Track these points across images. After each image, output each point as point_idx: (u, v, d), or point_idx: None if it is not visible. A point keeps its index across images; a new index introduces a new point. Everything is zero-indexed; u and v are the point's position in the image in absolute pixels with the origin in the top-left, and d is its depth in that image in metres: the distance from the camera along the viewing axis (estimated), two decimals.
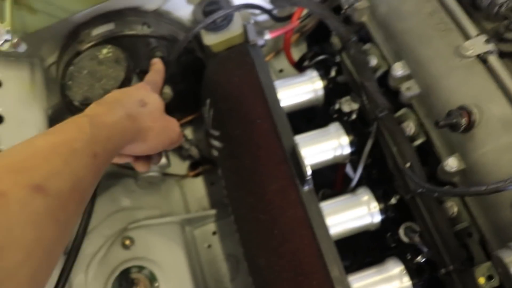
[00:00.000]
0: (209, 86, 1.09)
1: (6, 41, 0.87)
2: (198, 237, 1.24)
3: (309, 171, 0.88)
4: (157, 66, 1.01)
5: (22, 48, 0.93)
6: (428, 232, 0.89)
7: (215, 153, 1.08)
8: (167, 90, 1.17)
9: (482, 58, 0.88)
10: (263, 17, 1.26)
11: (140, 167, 0.86)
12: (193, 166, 1.35)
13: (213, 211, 1.23)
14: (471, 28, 0.90)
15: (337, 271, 0.85)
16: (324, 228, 0.89)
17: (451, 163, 0.85)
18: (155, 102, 0.87)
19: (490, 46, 0.87)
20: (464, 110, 0.84)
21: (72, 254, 0.88)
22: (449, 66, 0.90)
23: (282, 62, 1.38)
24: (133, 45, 1.10)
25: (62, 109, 1.20)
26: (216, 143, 1.07)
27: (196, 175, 1.34)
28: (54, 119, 1.18)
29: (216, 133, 1.06)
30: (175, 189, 1.30)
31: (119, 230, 1.13)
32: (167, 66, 1.06)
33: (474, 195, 0.81)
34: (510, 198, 0.77)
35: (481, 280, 0.78)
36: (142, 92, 0.87)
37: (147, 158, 0.89)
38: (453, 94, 0.88)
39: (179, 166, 1.33)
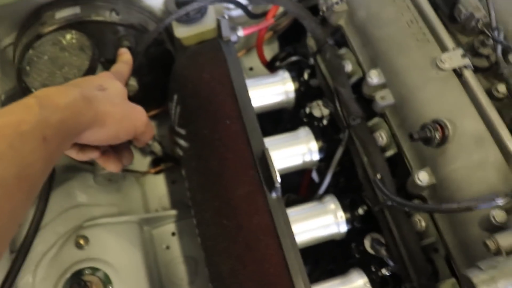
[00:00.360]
0: (177, 81, 1.04)
1: None
2: (156, 238, 1.19)
3: (278, 179, 0.85)
4: (125, 57, 0.96)
5: None
6: (394, 245, 0.88)
7: (180, 152, 1.03)
8: (133, 82, 1.10)
9: (457, 72, 0.87)
10: (236, 12, 1.22)
11: (110, 165, 0.80)
12: (155, 163, 1.30)
13: (173, 212, 1.18)
14: (448, 41, 0.89)
15: (302, 284, 0.82)
16: (291, 237, 0.86)
17: (422, 177, 0.84)
18: (116, 88, 0.81)
19: (467, 61, 0.87)
20: (438, 124, 0.83)
21: (20, 254, 0.81)
22: (425, 77, 0.88)
23: (252, 60, 1.34)
24: (99, 32, 1.04)
25: (17, 94, 1.13)
26: (181, 142, 1.02)
27: (157, 173, 1.28)
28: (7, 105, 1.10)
29: (182, 131, 1.02)
30: (135, 186, 1.24)
31: (73, 228, 1.07)
32: (134, 57, 1.01)
33: (445, 212, 0.81)
34: (479, 216, 0.77)
35: None
36: (103, 78, 0.82)
37: (117, 156, 0.83)
38: (427, 106, 0.87)
39: (140, 162, 1.28)
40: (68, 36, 0.96)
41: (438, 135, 0.82)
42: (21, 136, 0.55)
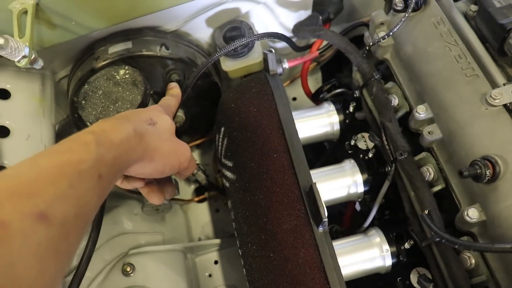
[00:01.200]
0: (224, 114, 1.07)
1: (24, 57, 0.84)
2: (199, 265, 1.21)
3: (325, 213, 0.86)
4: (174, 91, 0.99)
5: (39, 64, 0.90)
6: (442, 282, 0.86)
7: (226, 183, 1.05)
8: (180, 113, 1.14)
9: (508, 108, 0.87)
10: (281, 44, 1.25)
11: (153, 198, 0.82)
12: (199, 191, 1.32)
13: (217, 241, 1.19)
14: (498, 76, 0.89)
15: None
16: (338, 272, 0.86)
17: (472, 214, 0.83)
18: (165, 123, 0.83)
19: None
20: (488, 160, 0.82)
21: (74, 283, 0.83)
22: (474, 113, 0.88)
23: (296, 90, 1.36)
24: (149, 66, 1.08)
25: (68, 124, 1.17)
26: (228, 173, 1.04)
27: (200, 201, 1.30)
28: (60, 135, 1.15)
29: (229, 163, 1.03)
30: (179, 214, 1.27)
31: (119, 255, 1.09)
32: (183, 90, 1.04)
33: (498, 252, 0.79)
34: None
35: None
36: (153, 112, 0.84)
37: (160, 188, 0.85)
38: (477, 142, 0.86)
39: (184, 190, 1.30)
40: (122, 72, 0.99)
41: (488, 172, 0.81)
42: (80, 175, 0.56)
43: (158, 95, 1.10)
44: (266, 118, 1.01)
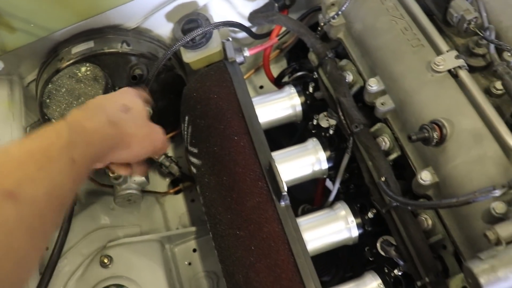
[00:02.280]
0: (187, 103, 1.10)
1: None
2: (178, 255, 1.24)
3: (285, 187, 0.89)
4: None
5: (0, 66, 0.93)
6: (403, 245, 0.89)
7: (194, 170, 1.08)
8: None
9: (453, 73, 0.90)
10: (242, 35, 1.29)
11: (120, 169, 0.85)
12: (174, 184, 1.35)
13: (193, 228, 1.23)
14: (442, 44, 0.92)
15: (313, 286, 0.85)
16: (301, 243, 0.89)
17: (424, 177, 0.86)
18: (139, 108, 0.85)
19: (461, 61, 0.89)
20: (435, 124, 0.85)
21: (47, 273, 0.86)
22: (421, 81, 0.91)
23: (262, 79, 1.39)
24: (112, 63, 1.11)
25: (40, 126, 1.20)
26: (194, 160, 1.07)
27: (176, 192, 1.33)
28: None
29: (194, 150, 1.07)
30: (156, 206, 1.30)
31: (97, 248, 1.12)
32: (146, 83, 1.07)
33: (445, 207, 0.83)
34: (481, 209, 0.78)
35: None
36: (126, 96, 0.85)
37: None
38: (425, 108, 0.90)
39: (159, 184, 1.33)
40: (83, 69, 1.03)
41: (436, 135, 0.84)
42: (50, 158, 0.59)
43: None
44: (226, 103, 1.04)
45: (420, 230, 0.88)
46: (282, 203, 0.92)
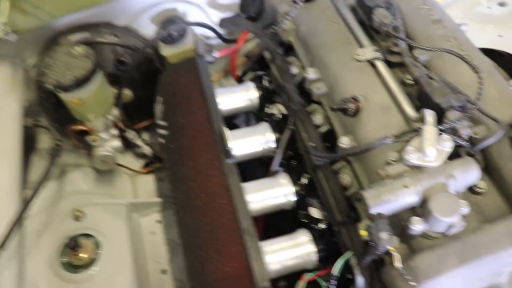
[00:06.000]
0: (162, 87, 1.32)
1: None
2: (143, 224, 1.40)
3: (230, 144, 1.08)
4: None
5: (13, 37, 1.14)
6: (325, 198, 1.08)
7: (162, 140, 1.28)
8: (128, 91, 1.38)
9: (371, 63, 1.12)
10: (215, 41, 1.51)
11: None
12: (146, 165, 1.54)
13: (157, 200, 1.40)
14: (365, 41, 1.15)
15: (246, 224, 1.03)
16: (239, 191, 1.07)
17: (343, 141, 1.06)
18: None
19: (378, 54, 1.12)
20: (353, 98, 1.06)
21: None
22: (346, 69, 1.14)
23: (231, 82, 1.61)
24: (103, 51, 1.33)
25: (35, 103, 1.41)
26: (163, 131, 1.27)
27: (148, 173, 1.52)
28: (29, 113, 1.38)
29: (164, 123, 1.27)
30: (128, 183, 1.48)
31: (73, 208, 1.29)
32: (129, 69, 1.28)
33: (352, 155, 1.03)
34: (383, 160, 0.97)
35: (363, 233, 0.96)
36: None
37: None
38: (348, 89, 1.11)
39: (133, 165, 1.52)
40: (79, 49, 1.25)
41: (353, 106, 1.05)
42: None
43: (109, 76, 1.35)
44: (193, 86, 1.25)
45: (339, 184, 1.07)
46: (229, 160, 1.11)
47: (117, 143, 1.32)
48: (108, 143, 1.31)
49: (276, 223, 1.28)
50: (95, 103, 1.27)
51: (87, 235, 1.24)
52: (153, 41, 1.28)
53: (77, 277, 1.20)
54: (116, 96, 1.34)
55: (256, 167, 1.34)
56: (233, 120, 1.76)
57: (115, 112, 1.34)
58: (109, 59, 1.36)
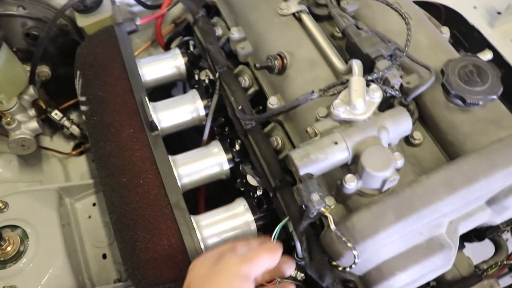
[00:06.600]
0: (79, 60, 1.22)
1: None
2: (79, 209, 1.32)
3: (152, 116, 1.01)
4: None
5: None
6: (258, 163, 1.02)
7: (84, 117, 1.19)
8: (45, 68, 1.28)
9: (296, 17, 1.06)
10: (138, 8, 1.41)
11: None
12: (76, 146, 1.44)
13: (90, 181, 1.31)
14: None
15: (176, 198, 0.97)
16: (167, 163, 1.00)
17: (272, 101, 1.00)
18: None
19: (302, 7, 1.05)
20: (278, 55, 1.00)
21: None
22: (270, 24, 1.07)
23: (161, 51, 1.52)
24: (9, 24, 1.22)
25: None
26: (83, 107, 1.18)
27: (79, 154, 1.43)
28: None
29: (83, 98, 1.18)
30: (58, 166, 1.38)
31: None
32: (40, 42, 1.18)
33: (278, 114, 0.97)
34: (312, 118, 0.91)
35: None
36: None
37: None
38: (273, 46, 1.04)
39: (63, 146, 1.42)
40: None
41: (278, 63, 0.99)
42: None
43: (21, 52, 1.24)
44: (111, 56, 1.16)
45: (271, 147, 1.01)
46: (153, 133, 1.04)
47: (34, 124, 1.22)
48: (24, 125, 1.21)
49: (219, 195, 1.22)
50: (4, 82, 1.16)
51: (12, 226, 1.15)
52: (63, 9, 1.17)
53: (5, 273, 1.11)
54: (30, 74, 1.24)
55: (196, 138, 1.28)
56: (170, 91, 1.69)
57: (32, 91, 1.24)
58: (18, 33, 1.24)
